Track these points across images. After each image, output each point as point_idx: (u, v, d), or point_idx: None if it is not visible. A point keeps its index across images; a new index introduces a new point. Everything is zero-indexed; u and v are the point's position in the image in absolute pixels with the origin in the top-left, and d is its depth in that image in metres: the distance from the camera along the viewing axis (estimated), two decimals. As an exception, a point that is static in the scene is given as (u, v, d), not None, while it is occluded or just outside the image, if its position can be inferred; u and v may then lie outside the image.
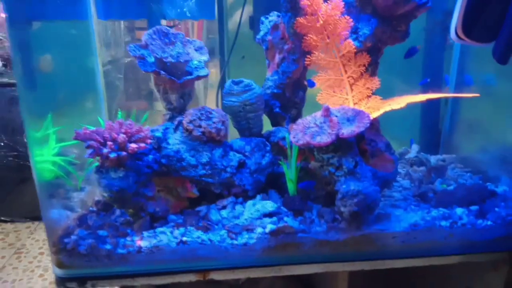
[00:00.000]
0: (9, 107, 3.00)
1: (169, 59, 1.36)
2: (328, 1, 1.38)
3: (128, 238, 1.33)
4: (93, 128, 1.30)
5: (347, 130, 1.28)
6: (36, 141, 1.40)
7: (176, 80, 1.37)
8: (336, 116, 1.35)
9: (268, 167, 1.47)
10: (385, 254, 1.39)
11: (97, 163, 1.32)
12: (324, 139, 1.28)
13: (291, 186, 1.45)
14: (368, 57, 1.40)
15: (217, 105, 2.01)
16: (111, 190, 1.27)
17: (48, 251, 2.24)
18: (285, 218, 1.38)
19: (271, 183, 1.52)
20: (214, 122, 1.35)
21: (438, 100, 1.93)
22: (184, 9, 1.83)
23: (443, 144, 1.98)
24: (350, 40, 1.39)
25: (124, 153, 1.23)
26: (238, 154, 1.43)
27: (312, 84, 1.46)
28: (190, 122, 1.33)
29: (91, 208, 1.49)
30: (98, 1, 1.77)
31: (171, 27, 1.60)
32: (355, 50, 1.40)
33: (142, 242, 1.32)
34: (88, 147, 1.24)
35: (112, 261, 1.31)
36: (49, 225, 1.34)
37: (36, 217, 3.25)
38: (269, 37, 1.49)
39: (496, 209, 1.44)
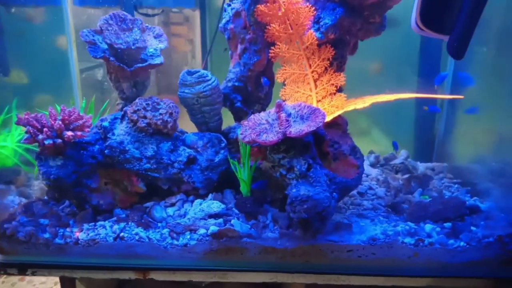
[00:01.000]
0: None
1: (119, 45, 1.30)
2: (291, -13, 1.26)
3: (68, 229, 1.29)
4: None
5: (296, 129, 1.16)
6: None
7: (126, 67, 1.30)
8: (290, 114, 1.23)
9: (222, 165, 1.38)
10: (340, 268, 1.26)
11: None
12: (270, 137, 1.17)
13: (243, 187, 1.35)
14: (332, 50, 1.27)
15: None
16: (49, 178, 1.23)
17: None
18: (233, 221, 1.28)
19: (228, 182, 1.43)
20: (161, 114, 1.28)
21: (433, 105, 1.74)
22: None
23: (437, 151, 1.79)
24: (312, 31, 1.27)
25: (59, 140, 1.19)
26: (189, 149, 1.35)
27: (266, 83, 1.35)
28: (135, 112, 1.27)
29: (45, 197, 1.47)
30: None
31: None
32: (317, 42, 1.27)
33: (80, 234, 1.27)
34: (26, 132, 1.20)
35: (50, 251, 1.28)
36: (-9, 210, 1.33)
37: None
38: (231, 26, 1.39)
39: (473, 228, 1.27)
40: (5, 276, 1.31)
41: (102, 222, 1.31)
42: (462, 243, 1.22)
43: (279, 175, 1.24)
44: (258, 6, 1.29)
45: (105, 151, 1.30)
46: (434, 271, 1.25)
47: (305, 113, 1.23)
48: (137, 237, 1.26)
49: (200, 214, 1.29)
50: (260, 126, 1.23)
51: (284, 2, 1.27)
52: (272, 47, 1.35)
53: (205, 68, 1.99)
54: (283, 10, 1.28)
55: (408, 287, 1.28)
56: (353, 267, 1.25)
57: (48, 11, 1.72)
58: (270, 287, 1.84)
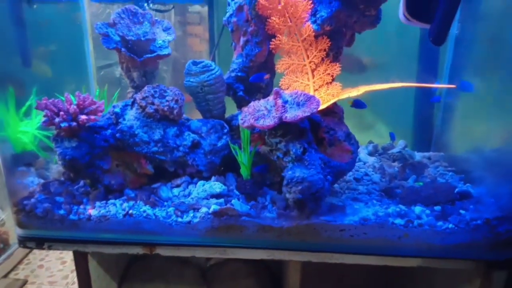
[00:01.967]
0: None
1: (130, 37, 1.40)
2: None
3: (82, 206, 1.40)
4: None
5: (291, 114, 1.24)
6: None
7: (136, 58, 1.40)
8: (287, 101, 1.31)
9: (224, 149, 1.47)
10: (333, 247, 1.33)
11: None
12: (267, 122, 1.25)
13: (244, 170, 1.44)
14: (328, 42, 1.35)
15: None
16: (64, 158, 1.34)
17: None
18: (233, 201, 1.37)
19: (230, 166, 1.52)
20: (167, 101, 1.38)
21: (432, 96, 1.80)
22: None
23: (435, 142, 1.84)
24: (309, 23, 1.34)
25: (74, 123, 1.29)
26: (193, 134, 1.44)
27: (262, 79, 1.44)
28: (143, 98, 1.37)
29: (62, 179, 1.58)
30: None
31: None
32: (314, 34, 1.34)
33: (93, 211, 1.38)
34: (44, 116, 1.31)
35: (64, 226, 1.39)
36: (12, 189, 1.45)
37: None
38: (234, 19, 1.48)
39: (462, 211, 1.32)
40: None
41: (113, 201, 1.41)
42: (450, 225, 1.28)
43: (276, 158, 1.33)
44: (259, 0, 1.38)
45: (117, 135, 1.40)
46: (423, 252, 1.31)
47: (301, 100, 1.31)
48: (144, 214, 1.36)
49: (203, 194, 1.38)
50: (259, 112, 1.32)
51: (283, -4, 1.35)
52: (273, 39, 1.43)
53: (213, 61, 2.09)
54: (282, 3, 1.35)
55: (399, 267, 1.34)
56: (346, 246, 1.32)
57: (66, 7, 1.84)
58: (270, 267, 1.93)
